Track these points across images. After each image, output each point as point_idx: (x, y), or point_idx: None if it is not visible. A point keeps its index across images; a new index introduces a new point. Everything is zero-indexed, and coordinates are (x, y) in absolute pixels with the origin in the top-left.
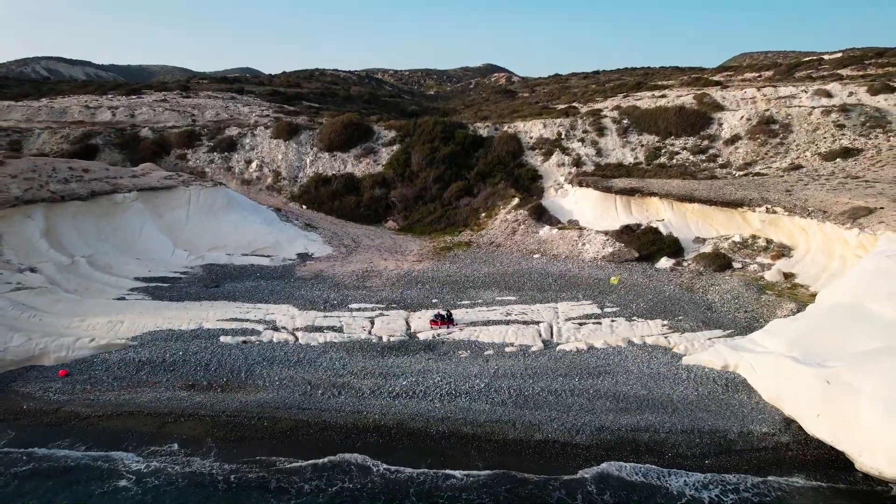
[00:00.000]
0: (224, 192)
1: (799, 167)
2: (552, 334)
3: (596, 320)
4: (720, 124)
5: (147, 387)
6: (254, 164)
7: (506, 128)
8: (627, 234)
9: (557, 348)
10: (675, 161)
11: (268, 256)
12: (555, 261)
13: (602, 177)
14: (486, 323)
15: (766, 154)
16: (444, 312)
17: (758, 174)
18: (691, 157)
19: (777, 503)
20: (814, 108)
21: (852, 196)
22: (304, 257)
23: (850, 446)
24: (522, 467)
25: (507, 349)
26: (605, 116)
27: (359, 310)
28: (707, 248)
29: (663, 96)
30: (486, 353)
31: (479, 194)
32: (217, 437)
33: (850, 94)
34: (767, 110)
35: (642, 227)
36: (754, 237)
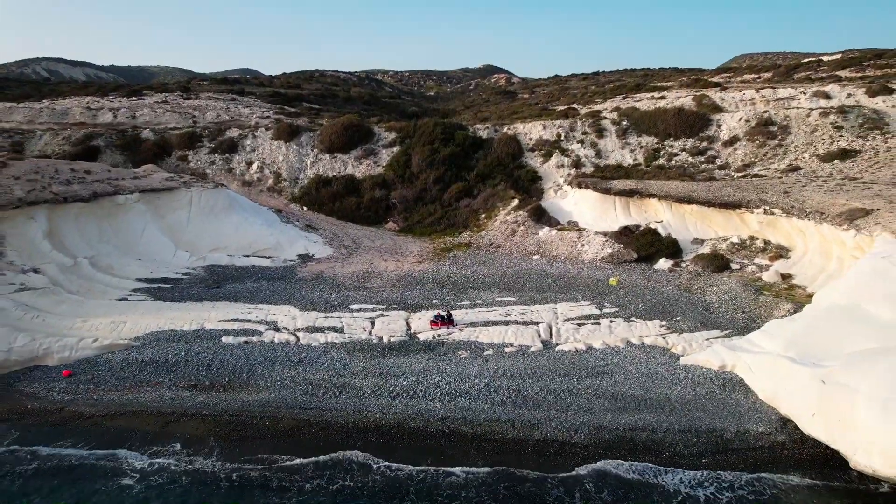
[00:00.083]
0: (225, 193)
1: (797, 168)
2: (551, 335)
3: (595, 321)
4: (719, 126)
5: (150, 387)
6: (255, 166)
7: (505, 129)
8: (626, 235)
9: (556, 349)
10: (673, 162)
11: (269, 257)
12: (554, 262)
13: (601, 178)
14: (486, 323)
15: (764, 155)
16: (444, 313)
17: (756, 175)
18: (690, 159)
19: (773, 501)
20: (812, 109)
21: (849, 197)
22: (304, 258)
23: (845, 445)
24: (522, 466)
25: (507, 349)
26: (605, 118)
27: (359, 310)
28: (705, 249)
29: (662, 98)
30: (485, 353)
31: (479, 195)
32: (219, 436)
33: (849, 95)
34: (766, 112)
35: (641, 229)
36: (752, 238)
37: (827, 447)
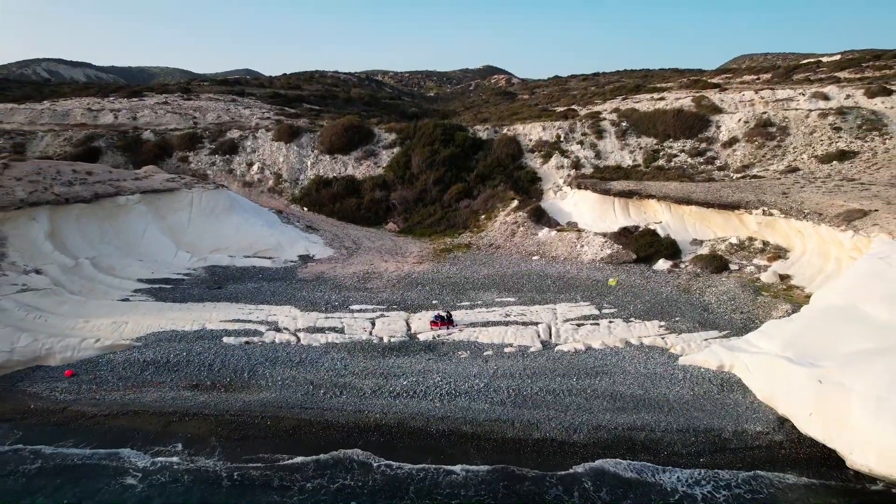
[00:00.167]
0: (226, 194)
1: (796, 170)
2: (551, 335)
3: (594, 321)
4: (718, 127)
5: (152, 387)
6: (255, 167)
7: (505, 130)
8: (625, 235)
9: (556, 349)
10: (673, 163)
11: (269, 258)
12: (553, 262)
13: (601, 179)
14: (486, 324)
15: (763, 156)
16: (444, 313)
17: (755, 177)
18: (689, 160)
19: (770, 500)
20: (811, 110)
21: (847, 198)
22: (305, 259)
23: (841, 444)
24: (521, 464)
25: (506, 350)
26: (604, 119)
27: (360, 311)
28: (704, 250)
29: (662, 99)
30: (485, 353)
31: (479, 196)
32: (221, 435)
33: (848, 96)
34: (765, 113)
35: (640, 230)
36: (751, 239)
37: (824, 446)
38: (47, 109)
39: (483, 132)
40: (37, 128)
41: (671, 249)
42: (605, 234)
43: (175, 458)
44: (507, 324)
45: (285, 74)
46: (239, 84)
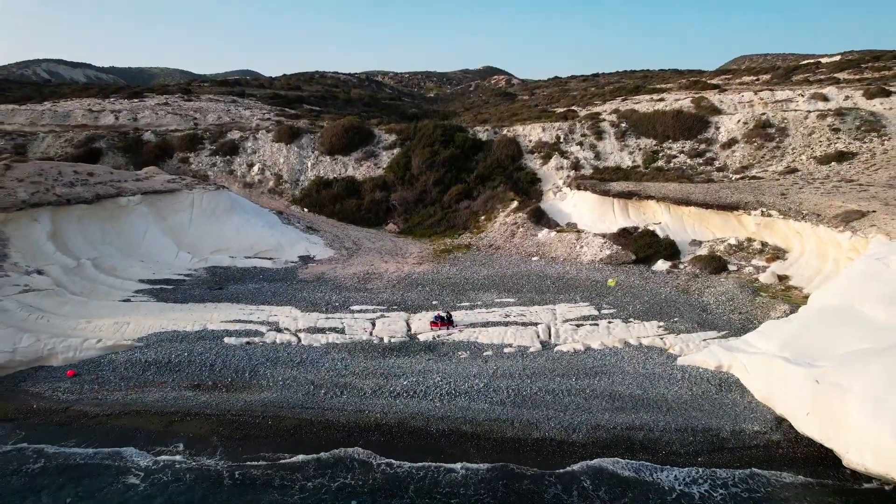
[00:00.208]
0: (227, 195)
1: (794, 171)
2: (550, 335)
3: (593, 322)
4: (717, 128)
5: (153, 387)
6: (255, 168)
7: (505, 131)
8: (625, 236)
9: (555, 349)
10: (672, 164)
11: (270, 259)
12: (553, 263)
13: (600, 180)
14: (486, 324)
15: (762, 157)
16: (444, 314)
17: (754, 178)
18: (688, 161)
19: (767, 498)
20: (810, 111)
21: (846, 199)
22: (305, 260)
23: (838, 444)
24: (520, 464)
25: (506, 350)
26: (604, 120)
27: (360, 311)
28: (703, 251)
29: (661, 100)
30: (485, 353)
31: (479, 197)
32: (223, 435)
33: (847, 97)
34: (764, 114)
35: (639, 230)
36: (750, 240)
37: (821, 446)
38: (48, 110)
39: (483, 133)
40: (38, 129)
41: (670, 250)
42: (604, 235)
43: (177, 458)
44: (506, 324)
45: (285, 75)
46: (239, 85)
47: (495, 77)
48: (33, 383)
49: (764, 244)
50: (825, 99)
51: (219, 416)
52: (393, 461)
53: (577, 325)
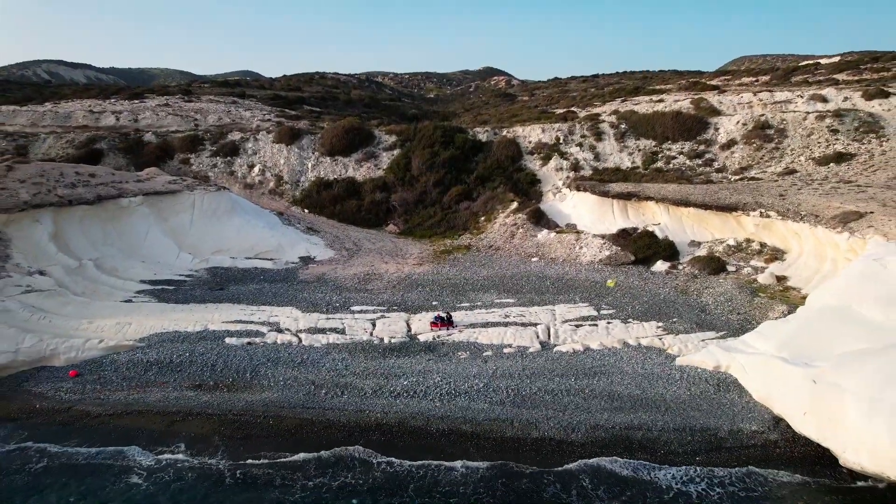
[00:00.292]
0: (227, 196)
1: (793, 172)
2: (549, 336)
3: (592, 322)
4: (716, 129)
5: (155, 386)
6: (256, 169)
7: (505, 132)
8: (624, 237)
9: (554, 349)
10: (671, 165)
11: (271, 260)
12: (552, 264)
13: (599, 181)
14: (485, 325)
15: (761, 159)
16: (444, 314)
17: (753, 179)
18: (688, 162)
19: (764, 497)
20: (809, 113)
21: (844, 200)
22: (306, 260)
23: (835, 443)
24: (520, 463)
25: (506, 350)
26: (603, 121)
27: (360, 312)
28: (702, 252)
29: (661, 101)
30: (484, 354)
31: (479, 198)
32: (224, 434)
33: (846, 98)
34: (763, 115)
35: (639, 231)
36: (748, 241)
37: (818, 445)
38: (49, 111)
39: (483, 134)
40: (39, 130)
41: (669, 251)
42: (603, 236)
43: (179, 457)
44: (506, 325)
45: (285, 76)
46: (239, 86)
47: (495, 78)
48: (36, 383)
49: (762, 245)
50: (824, 100)
51: (220, 416)
52: (393, 460)
53: (577, 326)
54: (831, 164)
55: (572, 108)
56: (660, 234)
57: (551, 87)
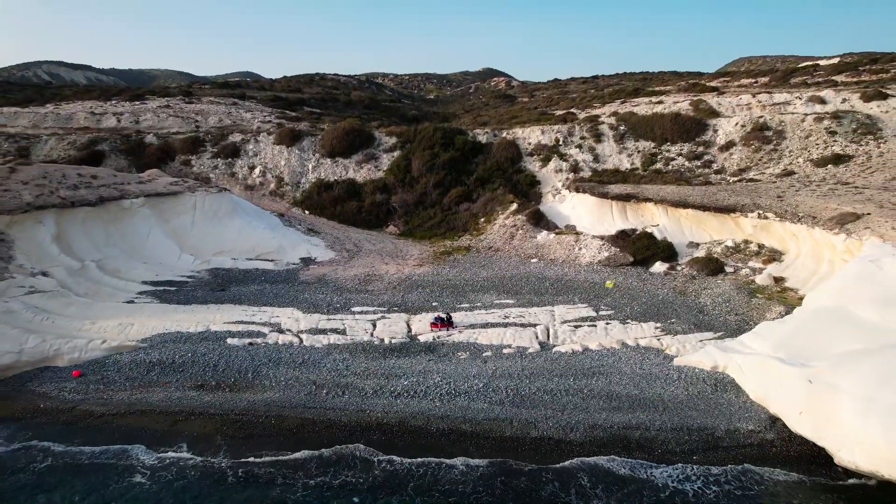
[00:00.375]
0: (229, 197)
1: (791, 173)
2: (548, 336)
3: (591, 323)
4: (715, 131)
5: (158, 387)
6: (257, 170)
7: (504, 134)
8: (623, 238)
9: (553, 350)
10: (670, 167)
11: (272, 261)
12: (552, 265)
13: (599, 183)
14: (485, 325)
15: (759, 160)
16: (444, 315)
17: (751, 180)
18: (687, 163)
19: (760, 496)
20: (807, 114)
21: (841, 202)
22: (307, 261)
23: (830, 442)
24: (518, 462)
25: (505, 351)
26: (603, 123)
27: (361, 313)
28: (700, 253)
29: (660, 102)
30: (484, 354)
31: (479, 200)
32: (226, 434)
33: (844, 100)
34: (762, 117)
35: (637, 232)
36: (746, 242)
37: (813, 444)
38: (51, 113)
39: (482, 136)
40: (40, 131)
41: (668, 252)
42: (602, 237)
43: (181, 456)
44: (505, 325)
45: (286, 77)
46: (240, 87)
47: (495, 79)
48: (39, 383)
49: (760, 246)
50: (822, 102)
51: (222, 416)
52: (394, 458)
53: (576, 326)
54: (829, 166)
55: (572, 110)
56: (658, 236)
57: (551, 89)
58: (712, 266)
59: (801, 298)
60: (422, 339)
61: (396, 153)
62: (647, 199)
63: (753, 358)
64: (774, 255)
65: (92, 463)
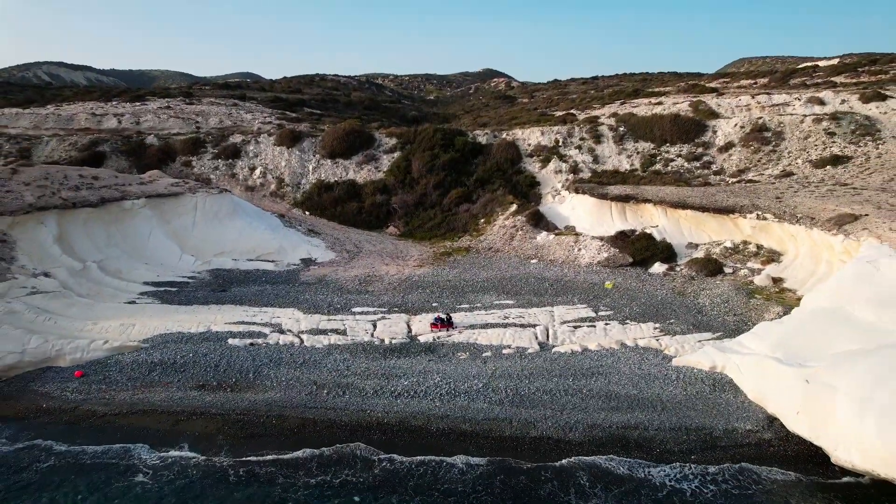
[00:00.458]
0: (229, 198)
1: (790, 174)
2: (548, 337)
3: (590, 323)
4: (714, 132)
5: (160, 387)
6: (257, 171)
7: (504, 135)
8: (622, 239)
9: (553, 350)
10: (670, 168)
11: (272, 261)
12: (551, 266)
13: (598, 184)
14: (485, 326)
15: (758, 161)
16: (444, 316)
17: (750, 181)
18: (686, 164)
19: (757, 495)
20: (806, 115)
21: (839, 203)
22: (307, 262)
23: (826, 441)
24: (518, 460)
25: (505, 351)
26: (602, 124)
27: (361, 313)
28: (699, 254)
29: (660, 103)
30: (484, 354)
31: (479, 201)
32: (228, 434)
33: (843, 101)
34: (761, 118)
35: (637, 233)
36: (745, 243)
37: (810, 444)
38: (51, 114)
39: (482, 137)
40: (42, 132)
41: (667, 253)
42: (602, 238)
43: (183, 455)
44: (505, 326)
45: (286, 78)
46: (240, 88)
47: (495, 80)
48: (42, 383)
49: (759, 247)
50: (821, 103)
51: (224, 416)
52: (395, 457)
53: (575, 327)
54: (828, 167)
55: (571, 111)
56: (658, 236)
57: (551, 89)
58: (711, 267)
59: (800, 299)
60: (422, 339)
61: (396, 154)
62: (647, 200)
63: (751, 358)
64: (773, 256)
65: (94, 462)
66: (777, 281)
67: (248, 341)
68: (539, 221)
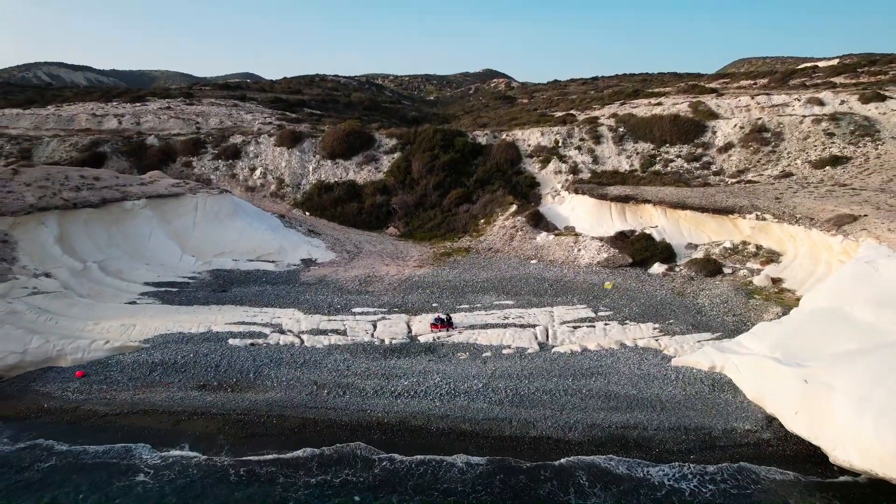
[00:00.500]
0: (230, 199)
1: (789, 175)
2: (548, 337)
3: (590, 324)
4: (714, 132)
5: (160, 387)
6: (258, 172)
7: (504, 136)
8: (622, 240)
9: (552, 350)
10: (669, 169)
11: (273, 262)
12: (551, 266)
13: (598, 184)
14: (485, 326)
15: (758, 162)
16: (443, 316)
17: (750, 182)
18: (685, 165)
19: (756, 495)
20: (805, 116)
21: (838, 203)
22: (307, 263)
23: (825, 441)
24: (518, 459)
25: (505, 351)
26: (602, 124)
27: (362, 313)
28: (699, 254)
29: (659, 104)
30: (484, 354)
31: (478, 201)
32: (228, 433)
33: (842, 102)
34: (760, 119)
35: (636, 234)
36: (744, 243)
37: (809, 443)
38: (52, 115)
39: (482, 137)
40: (42, 133)
41: (666, 253)
42: (601, 239)
43: (184, 455)
44: (505, 326)
45: (286, 78)
46: (240, 88)
47: (495, 80)
48: (43, 383)
49: (758, 247)
50: (821, 103)
51: (224, 416)
52: (395, 456)
53: (575, 327)
54: (827, 168)
55: (571, 112)
56: (657, 237)
57: (551, 90)
58: (710, 267)
59: (798, 299)
60: (422, 339)
61: (396, 155)
62: (646, 201)
63: (750, 358)
64: (772, 257)
65: (95, 462)
66: (776, 281)
67: (249, 341)
68: (539, 222)
